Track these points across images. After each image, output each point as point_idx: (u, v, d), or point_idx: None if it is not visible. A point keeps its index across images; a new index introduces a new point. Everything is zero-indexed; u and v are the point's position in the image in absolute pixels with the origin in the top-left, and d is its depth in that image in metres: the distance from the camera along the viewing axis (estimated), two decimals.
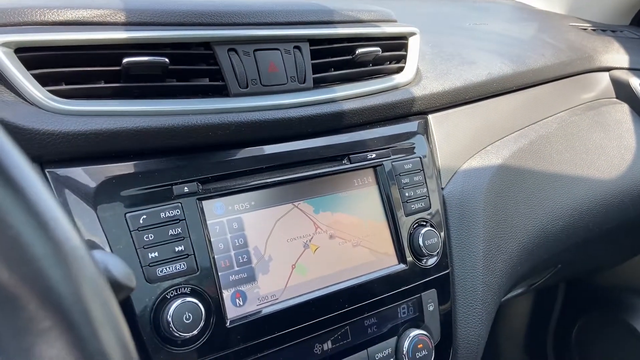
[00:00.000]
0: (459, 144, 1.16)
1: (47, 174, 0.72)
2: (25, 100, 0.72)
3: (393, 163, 1.01)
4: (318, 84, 0.96)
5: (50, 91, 0.74)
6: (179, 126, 0.78)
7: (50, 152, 0.71)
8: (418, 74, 1.12)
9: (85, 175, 0.74)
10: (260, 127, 0.86)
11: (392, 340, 0.95)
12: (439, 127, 1.14)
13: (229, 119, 0.82)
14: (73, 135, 0.72)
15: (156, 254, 0.75)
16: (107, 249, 0.73)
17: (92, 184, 0.74)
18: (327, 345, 0.88)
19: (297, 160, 0.91)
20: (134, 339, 0.72)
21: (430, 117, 1.13)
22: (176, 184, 0.79)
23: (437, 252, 1.01)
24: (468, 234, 1.09)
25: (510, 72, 1.27)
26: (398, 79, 1.07)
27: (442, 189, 1.10)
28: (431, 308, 1.00)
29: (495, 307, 1.14)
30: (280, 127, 0.88)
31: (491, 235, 1.12)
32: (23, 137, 0.69)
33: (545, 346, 2.21)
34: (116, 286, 0.46)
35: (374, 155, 0.99)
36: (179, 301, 0.74)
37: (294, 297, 0.85)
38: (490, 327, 2.16)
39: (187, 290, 0.76)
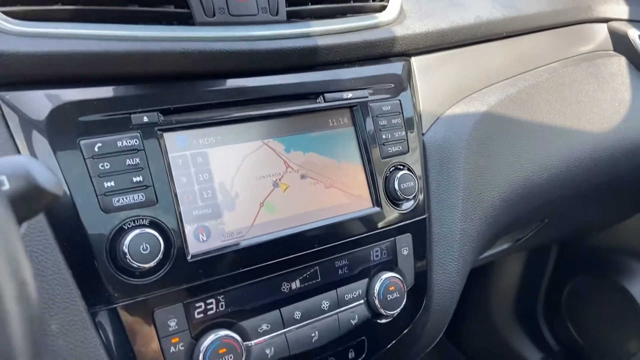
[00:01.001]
0: (442, 90, 1.12)
1: None
2: None
3: (370, 104, 0.98)
4: (292, 17, 0.91)
5: (4, 12, 0.70)
6: (135, 52, 0.75)
7: (1, 74, 0.68)
8: (402, 13, 1.07)
9: (39, 100, 0.71)
10: (226, 58, 0.82)
11: (363, 282, 0.93)
12: (422, 71, 1.09)
13: (191, 47, 0.79)
14: (24, 56, 0.69)
15: (112, 183, 0.73)
16: (60, 175, 0.70)
17: (45, 109, 0.71)
18: (295, 284, 0.87)
19: (267, 95, 0.88)
20: (89, 269, 0.71)
21: (413, 59, 1.09)
22: (135, 112, 0.76)
23: (414, 197, 0.99)
24: (447, 181, 1.06)
25: (501, 17, 1.22)
26: (380, 17, 1.02)
27: (423, 134, 1.07)
28: (405, 252, 0.98)
29: (474, 257, 1.12)
30: (248, 60, 0.85)
31: (471, 183, 1.09)
32: None
33: (535, 307, 2.21)
34: (38, 191, 0.44)
35: (350, 95, 0.96)
36: (135, 232, 0.72)
37: (261, 235, 0.83)
38: (481, 285, 2.16)
39: (146, 222, 0.74)
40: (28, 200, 0.44)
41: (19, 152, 0.70)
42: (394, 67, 1.04)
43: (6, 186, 0.43)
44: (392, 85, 1.02)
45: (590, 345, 2.00)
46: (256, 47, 0.84)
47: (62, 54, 0.71)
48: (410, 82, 1.06)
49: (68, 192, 0.71)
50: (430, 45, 1.10)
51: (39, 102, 0.71)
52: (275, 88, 0.89)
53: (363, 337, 0.94)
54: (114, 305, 0.72)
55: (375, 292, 0.93)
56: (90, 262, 0.71)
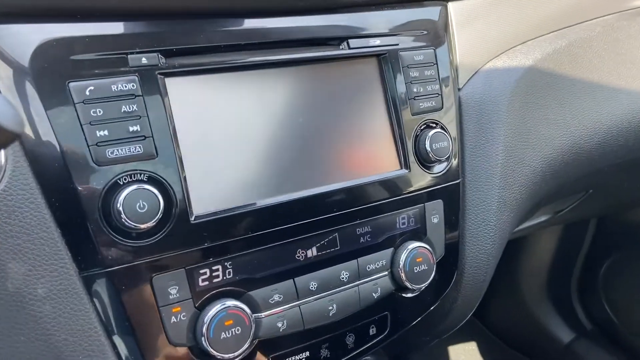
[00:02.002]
0: (483, 40, 1.00)
1: None
2: None
3: (401, 53, 0.86)
4: None
5: None
6: None
7: None
8: None
9: (23, 35, 0.62)
10: None
11: (388, 252, 0.84)
12: (461, 18, 0.97)
13: None
14: None
15: (106, 132, 0.64)
16: (46, 122, 0.62)
17: (30, 46, 0.62)
18: (312, 252, 0.78)
19: (285, 39, 0.78)
20: (80, 228, 0.63)
21: (450, 5, 0.97)
22: (132, 52, 0.66)
23: (447, 158, 0.88)
24: (485, 142, 0.95)
25: None
26: None
27: (459, 89, 0.95)
28: (435, 220, 0.88)
29: (512, 227, 1.01)
30: None
31: (512, 146, 0.98)
32: None
33: (569, 284, 2.09)
34: None
35: (378, 42, 0.84)
36: (132, 188, 0.64)
37: (274, 196, 0.74)
38: (512, 261, 2.05)
39: (144, 177, 0.66)
40: None
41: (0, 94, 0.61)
42: (429, 13, 0.92)
43: None
44: (426, 32, 0.90)
45: (626, 324, 1.89)
46: None
47: None
48: (447, 30, 0.94)
49: (55, 141, 0.63)
50: None
51: (23, 38, 0.62)
52: (293, 31, 0.78)
53: (386, 313, 0.86)
54: (108, 270, 0.65)
55: (401, 263, 0.83)
56: (81, 221, 0.64)
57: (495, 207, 0.95)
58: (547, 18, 1.09)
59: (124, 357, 0.67)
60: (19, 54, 0.62)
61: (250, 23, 0.76)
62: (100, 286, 0.65)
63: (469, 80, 0.97)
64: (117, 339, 0.67)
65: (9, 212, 0.61)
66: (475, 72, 0.98)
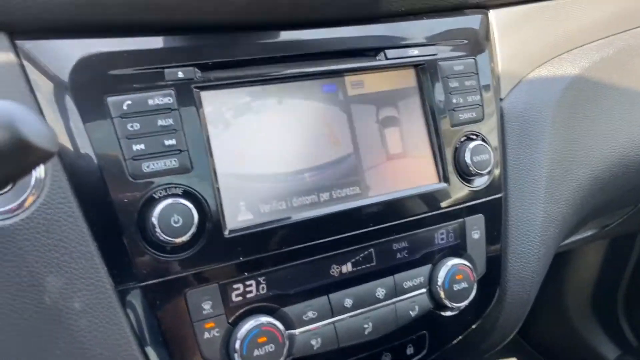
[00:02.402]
0: (525, 49, 0.96)
1: (18, 47, 0.62)
2: None
3: (440, 63, 0.84)
4: None
5: None
6: None
7: (20, 19, 0.61)
8: None
9: (62, 50, 0.63)
10: (275, 5, 0.71)
11: (426, 269, 0.81)
12: (502, 26, 0.94)
13: None
14: None
15: (142, 146, 0.64)
16: (84, 136, 0.63)
17: (69, 61, 0.63)
18: (346, 268, 0.76)
19: (320, 50, 0.77)
20: (116, 242, 0.64)
21: (492, 12, 0.94)
22: (169, 67, 0.66)
23: (488, 172, 0.85)
24: (529, 154, 0.92)
25: None
26: None
27: (501, 99, 0.92)
28: (476, 236, 0.85)
29: (557, 243, 0.97)
30: (300, 8, 0.73)
31: (558, 157, 0.94)
32: None
33: (615, 300, 2.00)
34: (24, 146, 0.35)
35: (416, 52, 0.82)
36: (167, 202, 0.64)
37: (308, 210, 0.73)
38: (555, 276, 1.98)
39: (179, 191, 0.65)
40: (11, 155, 0.35)
41: (40, 108, 0.62)
42: (469, 21, 0.90)
43: None
44: (466, 41, 0.88)
45: None
46: None
47: None
48: (488, 39, 0.91)
49: (93, 155, 0.63)
50: None
51: (63, 53, 0.63)
52: (329, 42, 0.77)
53: (424, 332, 0.83)
54: (143, 284, 0.65)
55: (440, 280, 0.80)
56: (117, 235, 0.64)
57: (540, 222, 0.91)
58: (594, 25, 1.04)
59: None
60: (58, 68, 0.63)
61: (285, 35, 0.75)
62: (135, 300, 0.65)
63: (511, 90, 0.94)
64: (150, 354, 0.66)
65: (48, 226, 0.61)
66: (519, 82, 0.95)
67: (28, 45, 0.62)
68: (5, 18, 0.60)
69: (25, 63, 0.62)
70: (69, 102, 0.63)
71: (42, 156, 0.36)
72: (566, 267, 1.98)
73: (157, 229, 0.63)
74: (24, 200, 0.61)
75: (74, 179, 0.63)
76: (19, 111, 0.35)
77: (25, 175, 0.37)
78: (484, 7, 0.93)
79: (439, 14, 0.87)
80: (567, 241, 1.31)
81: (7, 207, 0.60)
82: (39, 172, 0.61)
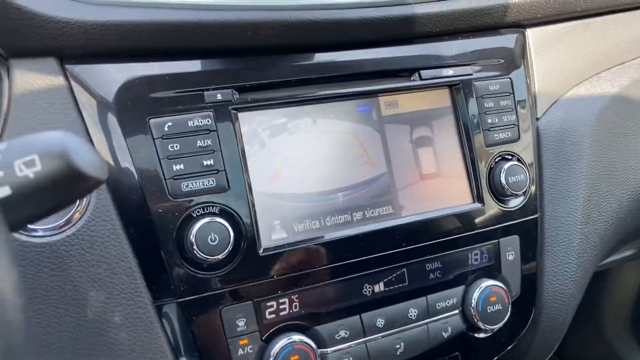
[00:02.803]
0: (563, 67, 0.95)
1: (67, 71, 0.65)
2: None
3: (475, 83, 0.84)
4: None
5: None
6: (209, 22, 0.67)
7: (69, 45, 0.64)
8: None
9: (107, 74, 0.66)
10: (310, 29, 0.73)
11: (459, 290, 0.81)
12: (539, 45, 0.93)
13: (271, 17, 0.70)
14: (92, 26, 0.64)
15: (182, 166, 0.66)
16: (127, 156, 0.65)
17: (114, 84, 0.66)
18: (379, 287, 0.76)
19: (355, 72, 0.78)
20: (156, 258, 0.66)
21: (528, 31, 0.93)
22: (208, 89, 0.69)
23: (524, 192, 0.84)
24: (567, 174, 0.90)
25: None
26: None
27: (537, 118, 0.91)
28: (511, 257, 0.84)
29: (595, 265, 0.95)
30: (335, 31, 0.75)
31: (596, 178, 0.92)
32: (37, 25, 0.62)
33: None
34: (76, 174, 0.37)
35: (450, 72, 0.83)
36: (204, 220, 0.65)
37: (342, 230, 0.74)
38: (593, 294, 1.92)
39: (216, 210, 0.67)
40: (64, 184, 0.37)
41: (87, 129, 0.65)
42: (505, 40, 0.89)
43: (38, 167, 0.36)
44: (502, 61, 0.87)
45: None
46: (343, 17, 0.74)
47: (132, 24, 0.65)
48: (524, 57, 0.91)
49: (135, 175, 0.65)
50: (551, 14, 0.93)
51: (108, 77, 0.66)
52: (363, 63, 0.78)
53: (456, 353, 0.82)
54: (180, 300, 0.67)
55: (473, 302, 0.80)
56: (156, 252, 0.66)
57: (577, 243, 0.90)
58: (633, 42, 1.02)
59: None
60: (104, 91, 0.66)
61: (320, 57, 0.76)
62: (172, 315, 0.67)
63: (548, 109, 0.93)
64: None
65: (91, 242, 0.64)
66: (556, 101, 0.94)
67: (77, 69, 0.66)
68: (56, 44, 0.64)
69: (74, 85, 0.65)
70: (114, 123, 0.66)
71: (93, 184, 0.38)
72: (604, 286, 1.92)
73: (195, 247, 0.65)
74: (71, 217, 0.64)
75: (116, 197, 0.65)
76: (72, 141, 0.37)
77: (76, 202, 0.39)
78: (520, 26, 0.92)
79: (474, 34, 0.87)
80: (605, 261, 1.28)
81: (55, 224, 0.63)
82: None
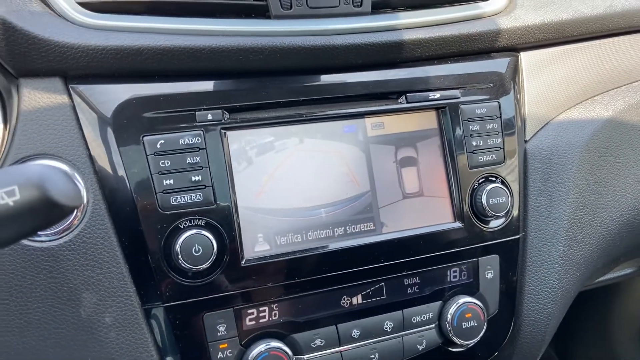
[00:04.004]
0: (555, 91, 0.97)
1: (70, 90, 0.71)
2: (54, 11, 0.70)
3: (462, 106, 0.87)
4: (378, 8, 0.83)
5: (81, 4, 0.71)
6: (202, 47, 0.72)
7: (72, 66, 0.70)
8: (512, 2, 0.93)
9: (106, 94, 0.72)
10: (301, 54, 0.77)
11: (436, 305, 0.84)
12: (532, 68, 0.95)
13: (261, 43, 0.75)
14: (93, 50, 0.69)
15: (171, 181, 0.71)
16: (122, 170, 0.71)
17: (112, 103, 0.71)
18: (357, 300, 0.80)
19: (342, 94, 0.81)
20: (145, 265, 0.71)
21: (522, 54, 0.95)
22: (200, 109, 0.74)
23: (505, 214, 0.86)
24: (551, 196, 0.92)
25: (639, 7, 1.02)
26: (484, 7, 0.90)
27: (526, 140, 0.93)
28: (490, 276, 0.87)
29: (579, 285, 0.97)
30: (325, 56, 0.79)
31: (583, 201, 0.94)
32: (43, 49, 0.68)
33: None
34: (50, 203, 0.43)
35: (437, 95, 0.85)
36: (189, 233, 0.71)
37: (322, 245, 0.78)
38: (603, 307, 1.91)
39: (202, 223, 0.72)
40: (39, 211, 0.43)
41: (86, 144, 0.71)
42: (496, 64, 0.91)
43: (17, 196, 0.42)
44: (491, 85, 0.90)
45: None
46: (334, 42, 0.78)
47: (130, 49, 0.70)
48: (515, 80, 0.93)
49: (129, 188, 0.71)
50: (545, 39, 0.95)
51: (108, 96, 0.72)
52: (351, 86, 0.82)
53: None
54: (166, 305, 0.72)
55: (449, 317, 0.83)
56: (145, 259, 0.71)
57: (559, 264, 0.92)
58: (631, 67, 1.03)
59: None
60: (104, 109, 0.72)
61: (309, 79, 0.80)
62: (158, 319, 0.73)
63: (537, 131, 0.95)
64: None
65: (87, 248, 0.70)
66: (546, 124, 0.96)
67: (79, 88, 0.71)
68: (61, 66, 0.69)
69: (76, 103, 0.71)
70: (111, 139, 0.71)
71: (67, 211, 0.43)
72: (614, 299, 1.91)
73: (180, 257, 0.70)
74: (70, 224, 0.70)
75: (111, 208, 0.71)
76: (49, 173, 0.43)
77: (50, 227, 0.44)
78: (514, 50, 0.94)
79: (465, 58, 0.89)
80: (603, 278, 1.29)
81: (55, 230, 0.69)
82: (83, 198, 0.70)
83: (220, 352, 0.74)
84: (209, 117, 0.74)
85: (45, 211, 0.42)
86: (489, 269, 0.87)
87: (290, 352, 0.75)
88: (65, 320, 0.69)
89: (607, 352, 1.95)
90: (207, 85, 0.75)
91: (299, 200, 0.78)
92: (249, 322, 0.75)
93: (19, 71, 0.69)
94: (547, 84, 0.96)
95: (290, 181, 0.78)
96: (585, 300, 1.82)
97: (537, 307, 0.91)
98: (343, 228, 0.80)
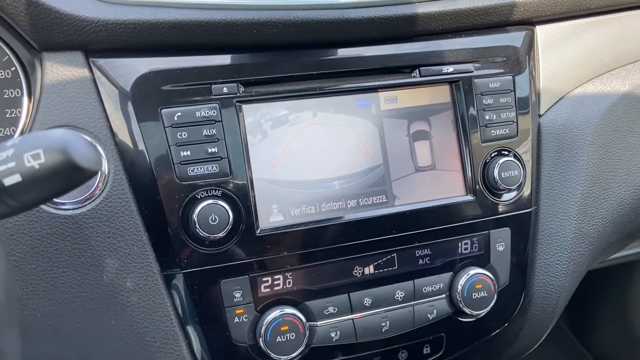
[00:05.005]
0: (571, 64, 0.96)
1: (91, 63, 0.73)
2: None
3: (475, 80, 0.87)
4: None
5: None
6: (218, 21, 0.74)
7: (93, 40, 0.72)
8: None
9: (126, 67, 0.74)
10: (313, 28, 0.78)
11: (446, 276, 0.86)
12: (548, 42, 0.95)
13: (275, 17, 0.76)
14: (112, 24, 0.71)
15: (188, 152, 0.74)
16: (141, 141, 0.73)
17: (131, 76, 0.74)
18: (369, 270, 0.82)
19: (355, 68, 0.82)
20: (164, 234, 0.74)
21: (538, 28, 0.94)
22: (215, 83, 0.75)
23: (517, 187, 0.87)
24: (564, 171, 0.92)
25: None
26: None
27: (540, 115, 0.93)
28: (501, 248, 0.88)
29: (590, 260, 0.97)
30: (337, 30, 0.80)
31: (596, 175, 0.94)
32: (65, 23, 0.70)
33: None
34: (73, 167, 0.45)
35: (451, 69, 0.86)
36: (206, 202, 0.73)
37: (335, 216, 0.80)
38: (622, 286, 1.91)
39: (218, 193, 0.75)
40: (63, 174, 0.45)
41: (107, 116, 0.73)
42: (511, 38, 0.91)
43: (42, 159, 0.44)
44: (506, 59, 0.89)
45: None
46: (345, 16, 0.79)
47: (147, 23, 0.72)
48: (531, 55, 0.93)
49: (148, 159, 0.74)
50: (561, 12, 0.94)
51: (127, 70, 0.74)
52: (364, 60, 0.83)
53: (442, 334, 0.88)
54: (184, 271, 0.75)
55: (459, 288, 0.85)
56: (164, 228, 0.74)
57: (571, 238, 0.93)
58: None
59: (193, 348, 0.77)
60: (123, 82, 0.74)
61: (323, 53, 0.81)
62: (177, 284, 0.76)
63: (552, 106, 0.94)
64: (188, 331, 0.77)
65: (109, 217, 0.73)
66: (561, 98, 0.95)
67: (99, 62, 0.74)
68: (82, 40, 0.72)
69: (97, 76, 0.74)
70: (131, 111, 0.74)
71: (88, 175, 0.46)
72: (632, 277, 1.90)
73: (197, 225, 0.73)
74: (92, 193, 0.73)
75: (131, 178, 0.74)
76: (71, 138, 0.45)
77: (73, 190, 0.47)
78: (529, 24, 0.94)
79: (479, 31, 0.89)
80: (618, 255, 1.29)
81: (78, 199, 0.73)
82: (105, 168, 0.73)
83: (236, 317, 0.76)
84: (225, 90, 0.76)
85: (68, 174, 0.45)
86: (500, 242, 0.88)
87: (303, 319, 0.78)
88: (89, 285, 0.73)
89: (626, 330, 1.94)
90: (223, 59, 0.77)
91: (313, 173, 0.80)
92: (263, 290, 0.78)
93: (41, 45, 0.72)
94: (563, 59, 0.95)
95: (304, 154, 0.80)
96: (604, 279, 1.82)
97: (548, 280, 0.92)
98: (356, 200, 0.81)
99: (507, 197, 0.88)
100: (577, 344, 2.07)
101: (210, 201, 0.73)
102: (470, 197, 0.86)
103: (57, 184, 0.45)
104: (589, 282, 1.03)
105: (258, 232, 0.76)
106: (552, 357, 1.57)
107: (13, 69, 0.74)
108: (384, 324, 0.83)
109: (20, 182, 0.44)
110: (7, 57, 0.73)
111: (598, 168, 0.94)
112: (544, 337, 0.99)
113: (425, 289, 0.85)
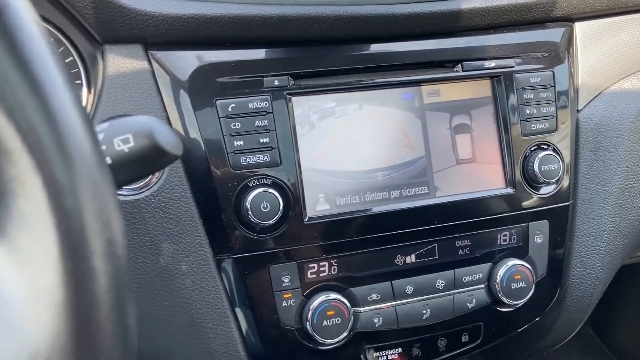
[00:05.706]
0: (610, 61, 0.98)
1: (150, 56, 0.77)
2: None
3: (516, 75, 0.89)
4: None
5: None
6: (272, 15, 0.77)
7: (152, 33, 0.75)
8: None
9: (183, 60, 0.77)
10: (360, 22, 0.80)
11: (486, 266, 0.88)
12: (587, 39, 0.96)
13: (325, 12, 0.79)
14: (172, 18, 0.75)
15: (241, 142, 0.77)
16: (197, 131, 0.76)
17: (189, 69, 0.77)
18: (410, 259, 0.85)
19: (399, 62, 0.85)
20: (217, 220, 0.77)
21: (577, 25, 0.96)
22: (267, 75, 0.78)
23: (556, 180, 0.89)
24: (602, 165, 0.94)
25: None
26: None
27: (578, 110, 0.95)
28: (539, 240, 0.90)
29: (625, 254, 0.99)
30: (384, 25, 0.82)
31: (633, 171, 0.95)
32: (127, 17, 0.73)
33: None
34: (159, 151, 0.48)
35: (493, 64, 0.88)
36: (258, 190, 0.76)
37: (380, 205, 0.83)
38: None
39: (269, 182, 0.78)
40: (149, 158, 0.48)
41: (164, 107, 0.77)
42: (551, 34, 0.93)
43: (131, 143, 0.47)
44: (546, 54, 0.91)
45: None
46: (392, 12, 0.81)
47: (205, 17, 0.75)
48: (570, 51, 0.94)
49: (203, 148, 0.77)
50: (600, 9, 0.95)
51: (184, 62, 0.77)
52: (409, 55, 0.85)
53: (480, 323, 0.90)
54: (236, 256, 0.78)
55: (498, 278, 0.87)
56: (217, 214, 0.77)
57: (608, 231, 0.94)
58: None
59: (243, 329, 0.80)
60: (180, 74, 0.77)
61: (369, 48, 0.84)
62: (229, 269, 0.79)
63: (590, 101, 0.96)
64: (239, 313, 0.80)
65: (165, 203, 0.76)
66: (599, 94, 0.97)
67: (158, 54, 0.77)
68: (142, 33, 0.75)
69: (155, 68, 0.77)
70: (187, 102, 0.77)
71: (172, 158, 0.49)
72: None
73: (249, 212, 0.76)
74: (149, 182, 0.76)
75: (187, 166, 0.77)
76: (158, 124, 0.48)
77: (153, 174, 0.50)
78: (569, 20, 0.95)
79: (520, 27, 0.91)
80: None
81: (137, 185, 0.76)
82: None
83: (284, 301, 0.80)
84: (276, 82, 0.79)
85: (154, 158, 0.48)
86: (539, 234, 0.90)
87: (348, 304, 0.80)
88: (146, 267, 0.76)
89: None
90: (274, 53, 0.80)
91: (358, 163, 0.82)
92: (310, 275, 0.81)
93: (104, 37, 0.75)
94: (601, 55, 0.97)
95: (350, 145, 0.82)
96: (627, 277, 1.82)
97: (584, 272, 0.94)
98: (398, 191, 0.84)
99: (545, 190, 0.90)
100: (599, 343, 2.07)
101: (261, 189, 0.76)
102: (510, 190, 0.88)
103: (143, 167, 0.48)
104: (612, 279, 1.05)
105: (306, 220, 0.79)
106: (573, 356, 1.58)
107: (71, 59, 0.77)
108: (424, 311, 0.85)
109: (110, 165, 0.47)
110: (64, 47, 0.77)
111: (635, 163, 0.96)
112: (577, 330, 1.01)
113: (465, 279, 0.87)
